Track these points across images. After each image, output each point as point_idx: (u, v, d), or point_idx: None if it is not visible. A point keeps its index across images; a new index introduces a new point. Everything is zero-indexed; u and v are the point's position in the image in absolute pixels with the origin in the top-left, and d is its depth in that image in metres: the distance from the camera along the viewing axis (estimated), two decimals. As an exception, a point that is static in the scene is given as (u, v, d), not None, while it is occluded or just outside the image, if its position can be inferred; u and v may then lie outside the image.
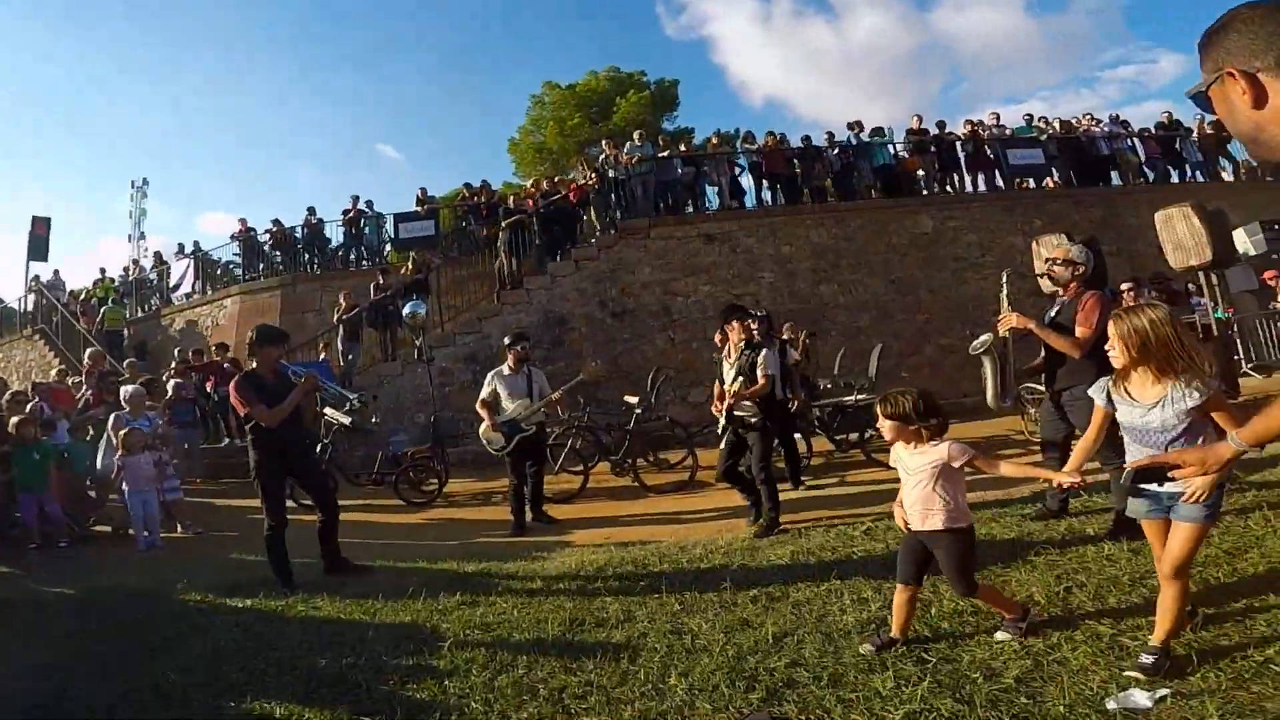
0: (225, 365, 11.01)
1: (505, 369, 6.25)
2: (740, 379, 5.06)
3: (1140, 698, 2.08)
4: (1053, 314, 4.24)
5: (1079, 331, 3.91)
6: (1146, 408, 2.39)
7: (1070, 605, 2.96)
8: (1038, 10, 63.30)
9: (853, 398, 7.63)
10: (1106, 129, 13.64)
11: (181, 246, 17.84)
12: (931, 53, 61.01)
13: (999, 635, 2.69)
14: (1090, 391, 2.68)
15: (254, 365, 4.74)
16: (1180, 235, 7.44)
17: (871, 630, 2.89)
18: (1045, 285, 6.50)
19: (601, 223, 12.39)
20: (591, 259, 11.49)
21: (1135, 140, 13.66)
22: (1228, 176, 14.09)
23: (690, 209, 12.71)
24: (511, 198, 14.01)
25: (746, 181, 13.02)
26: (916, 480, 2.75)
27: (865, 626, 2.94)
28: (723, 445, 5.20)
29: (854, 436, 7.56)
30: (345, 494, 7.62)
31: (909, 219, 12.30)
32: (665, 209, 12.49)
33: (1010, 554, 3.70)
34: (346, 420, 7.81)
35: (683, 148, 14.15)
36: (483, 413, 6.07)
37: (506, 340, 6.44)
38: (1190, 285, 9.49)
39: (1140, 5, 59.41)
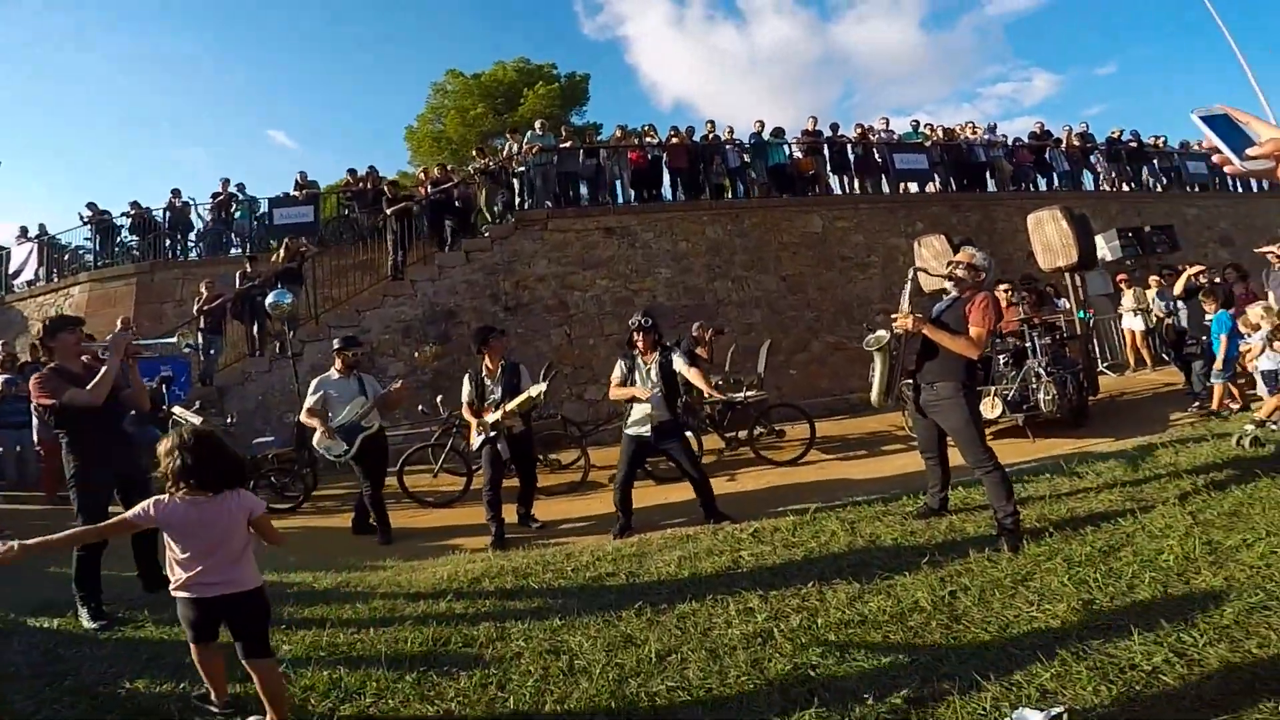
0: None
1: (333, 374, 5.77)
2: (505, 396, 5.36)
3: (1035, 717, 2.00)
4: (942, 308, 4.24)
5: (973, 331, 3.92)
6: None
7: (956, 610, 2.91)
8: (930, 26, 67.25)
9: (741, 395, 7.61)
10: (986, 138, 14.40)
11: (24, 230, 15.93)
12: (830, 64, 63.73)
13: None
14: None
15: (54, 361, 4.08)
16: (1049, 237, 7.84)
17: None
18: (926, 282, 6.71)
19: (495, 213, 11.93)
20: (484, 250, 10.99)
21: (1009, 148, 14.47)
22: (1088, 186, 15.24)
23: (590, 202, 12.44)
24: (398, 186, 13.24)
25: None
26: None
27: (751, 641, 2.78)
28: (486, 461, 5.36)
29: (743, 434, 7.52)
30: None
31: (800, 218, 12.51)
32: (565, 201, 12.18)
33: (894, 555, 3.67)
34: (196, 420, 7.05)
35: (585, 140, 13.87)
36: (312, 421, 5.56)
37: (335, 343, 5.93)
38: (1049, 287, 10.14)
39: (1021, 24, 64.28)
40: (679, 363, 5.14)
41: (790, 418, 8.00)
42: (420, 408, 7.22)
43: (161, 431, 7.66)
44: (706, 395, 5.21)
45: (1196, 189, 16.06)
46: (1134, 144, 15.66)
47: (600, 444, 8.22)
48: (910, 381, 4.42)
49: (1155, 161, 15.92)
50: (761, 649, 2.67)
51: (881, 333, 4.42)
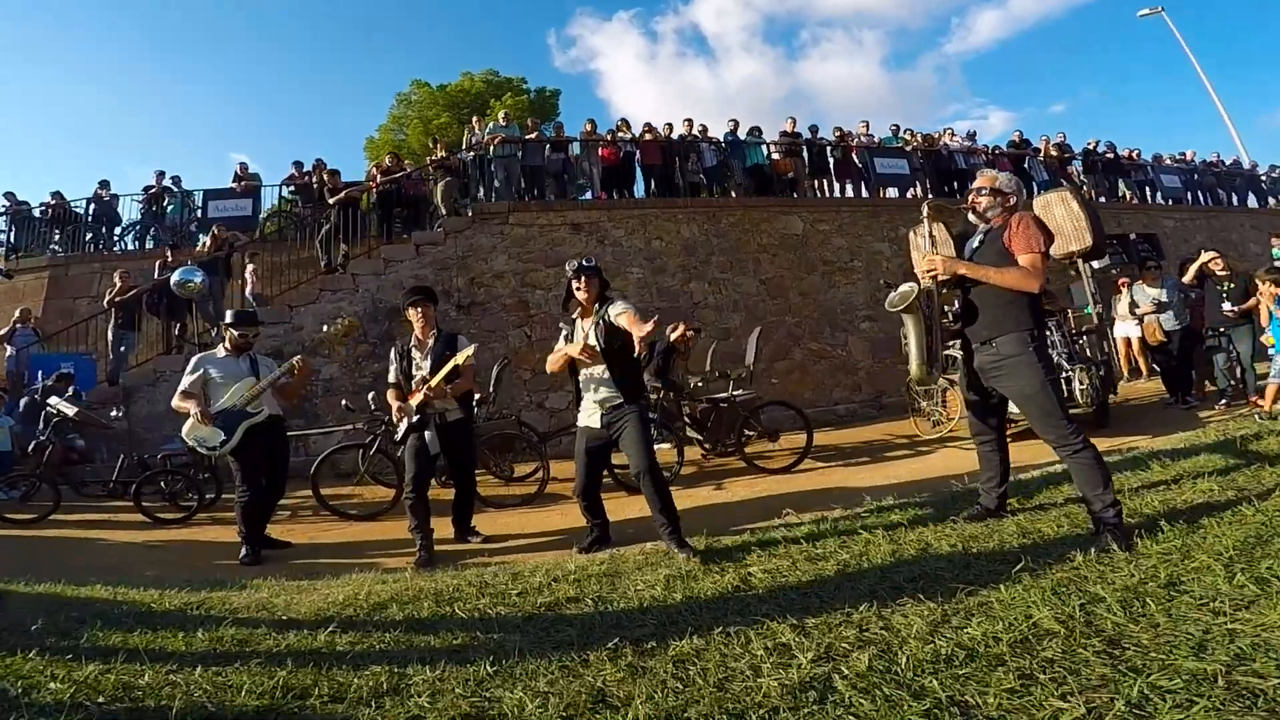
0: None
1: (219, 351, 4.74)
2: (434, 370, 4.26)
3: None
4: (974, 246, 3.31)
5: (1023, 259, 3.02)
6: None
7: (1101, 629, 1.92)
8: (893, 65, 69.04)
9: (727, 393, 6.62)
10: (966, 145, 13.88)
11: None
12: (797, 99, 64.77)
13: None
14: None
15: None
16: (1060, 220, 7.07)
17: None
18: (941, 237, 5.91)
19: (450, 206, 10.90)
20: (436, 243, 9.94)
21: (989, 156, 13.95)
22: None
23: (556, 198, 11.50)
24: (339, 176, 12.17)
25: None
26: None
27: (800, 696, 1.74)
28: (409, 455, 4.21)
29: (729, 439, 6.47)
30: (69, 508, 5.71)
31: (780, 219, 11.71)
32: (530, 195, 11.22)
33: (962, 565, 2.67)
34: (70, 410, 5.83)
35: (553, 133, 12.95)
36: (186, 405, 4.41)
37: (227, 317, 4.89)
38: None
39: (978, 64, 66.29)
40: (616, 309, 3.57)
41: (779, 422, 7.01)
42: (344, 403, 6.09)
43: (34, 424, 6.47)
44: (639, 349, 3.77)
45: (1170, 202, 15.79)
46: (1110, 155, 15.35)
47: (565, 455, 7.15)
48: (956, 345, 3.47)
49: (1131, 174, 15.63)
50: (822, 709, 1.64)
51: (906, 286, 3.45)
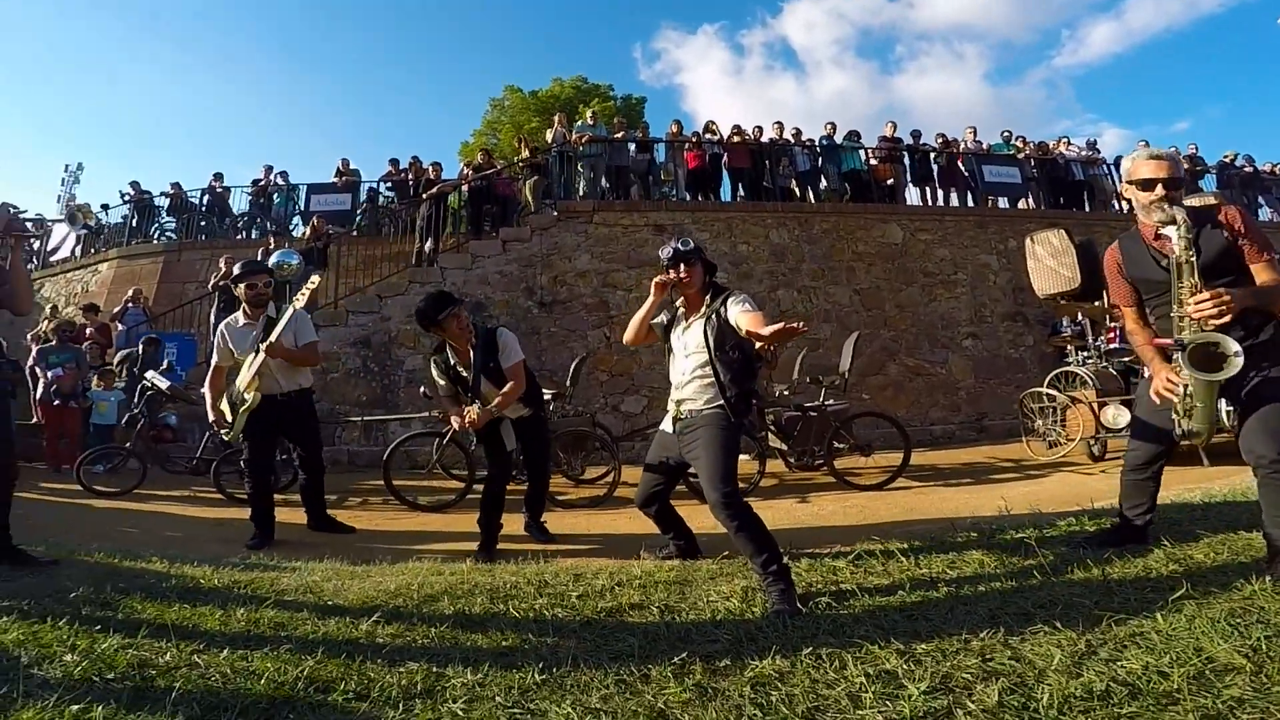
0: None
1: (238, 319, 4.29)
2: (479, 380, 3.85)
3: None
4: (1190, 257, 2.45)
5: (1267, 271, 2.42)
6: None
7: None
8: (996, 79, 66.28)
9: (819, 400, 6.17)
10: (1084, 154, 12.86)
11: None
12: (891, 115, 62.95)
13: None
14: None
15: None
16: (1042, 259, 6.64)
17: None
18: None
19: (538, 203, 10.91)
20: (523, 240, 9.94)
21: (1109, 167, 12.87)
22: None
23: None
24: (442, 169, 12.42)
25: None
26: None
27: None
28: (489, 453, 3.94)
29: (818, 450, 6.00)
30: (155, 483, 5.84)
31: (877, 227, 11.12)
32: (615, 195, 11.10)
33: (1102, 591, 2.20)
34: (164, 384, 5.98)
35: (639, 133, 12.78)
36: (209, 394, 4.18)
37: (235, 269, 4.37)
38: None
39: (1091, 79, 62.75)
40: (736, 306, 2.97)
41: (870, 437, 6.47)
42: (423, 390, 6.02)
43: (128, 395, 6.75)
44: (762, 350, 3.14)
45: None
46: (1249, 169, 13.89)
47: (639, 461, 6.87)
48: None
49: (1273, 190, 14.10)
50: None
51: (1211, 343, 2.34)
